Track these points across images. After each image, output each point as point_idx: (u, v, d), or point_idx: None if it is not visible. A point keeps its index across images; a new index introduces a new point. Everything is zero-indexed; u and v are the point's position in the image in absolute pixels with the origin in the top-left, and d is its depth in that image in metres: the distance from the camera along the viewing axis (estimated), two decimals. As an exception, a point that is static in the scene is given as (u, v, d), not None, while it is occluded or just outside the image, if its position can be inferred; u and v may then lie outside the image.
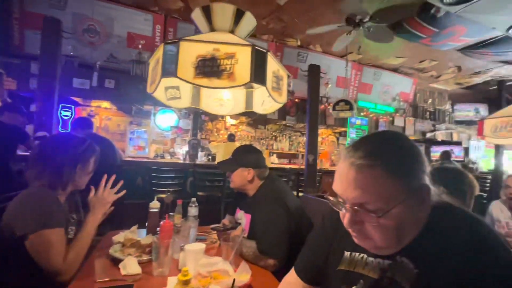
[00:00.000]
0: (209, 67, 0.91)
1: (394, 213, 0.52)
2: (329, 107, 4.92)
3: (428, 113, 6.92)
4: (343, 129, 6.38)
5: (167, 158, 5.04)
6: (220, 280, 0.89)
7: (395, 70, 5.84)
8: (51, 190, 1.06)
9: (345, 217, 0.58)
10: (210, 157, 5.52)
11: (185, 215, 1.44)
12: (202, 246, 1.04)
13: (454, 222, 0.56)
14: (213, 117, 6.24)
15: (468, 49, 4.34)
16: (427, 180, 0.55)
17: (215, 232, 1.43)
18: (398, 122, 6.42)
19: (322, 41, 4.68)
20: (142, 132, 5.12)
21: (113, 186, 1.22)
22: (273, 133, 7.08)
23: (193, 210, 1.42)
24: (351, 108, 4.36)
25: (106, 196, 1.18)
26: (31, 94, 3.65)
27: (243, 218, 1.46)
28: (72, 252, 1.01)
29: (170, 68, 0.91)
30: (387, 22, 3.64)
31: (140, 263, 1.03)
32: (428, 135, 6.86)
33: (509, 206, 1.85)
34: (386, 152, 0.55)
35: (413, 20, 3.58)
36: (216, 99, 1.45)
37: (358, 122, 6.18)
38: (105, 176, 1.22)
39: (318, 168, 4.04)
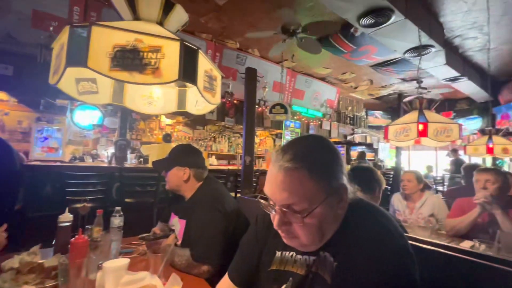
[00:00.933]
0: (130, 60, 0.79)
1: (317, 213, 0.56)
2: (266, 110, 5.14)
3: (348, 118, 8.01)
4: (279, 131, 6.77)
5: (88, 162, 4.39)
6: (146, 298, 0.80)
7: (323, 79, 6.52)
8: None
9: (275, 218, 0.59)
10: (142, 159, 5.04)
11: (108, 227, 1.26)
12: (125, 261, 0.92)
13: (363, 216, 0.64)
14: (146, 116, 5.73)
15: (377, 66, 5.23)
16: (345, 180, 0.61)
17: (144, 242, 1.29)
18: (325, 126, 7.20)
19: (259, 46, 4.86)
20: (54, 130, 4.32)
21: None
22: (212, 134, 6.96)
23: (116, 221, 1.25)
24: (286, 112, 4.64)
25: None
26: None
27: (178, 224, 1.36)
28: None
29: (78, 57, 0.75)
30: (317, 35, 4.05)
31: (41, 291, 0.84)
32: (348, 137, 7.92)
33: (404, 196, 2.27)
34: (310, 155, 0.59)
35: (336, 36, 4.09)
36: (143, 96, 1.30)
37: (292, 125, 6.68)
38: None
39: (255, 168, 4.15)
